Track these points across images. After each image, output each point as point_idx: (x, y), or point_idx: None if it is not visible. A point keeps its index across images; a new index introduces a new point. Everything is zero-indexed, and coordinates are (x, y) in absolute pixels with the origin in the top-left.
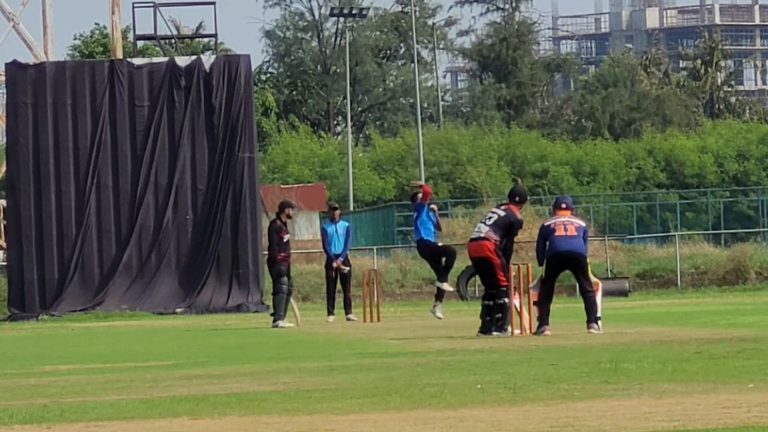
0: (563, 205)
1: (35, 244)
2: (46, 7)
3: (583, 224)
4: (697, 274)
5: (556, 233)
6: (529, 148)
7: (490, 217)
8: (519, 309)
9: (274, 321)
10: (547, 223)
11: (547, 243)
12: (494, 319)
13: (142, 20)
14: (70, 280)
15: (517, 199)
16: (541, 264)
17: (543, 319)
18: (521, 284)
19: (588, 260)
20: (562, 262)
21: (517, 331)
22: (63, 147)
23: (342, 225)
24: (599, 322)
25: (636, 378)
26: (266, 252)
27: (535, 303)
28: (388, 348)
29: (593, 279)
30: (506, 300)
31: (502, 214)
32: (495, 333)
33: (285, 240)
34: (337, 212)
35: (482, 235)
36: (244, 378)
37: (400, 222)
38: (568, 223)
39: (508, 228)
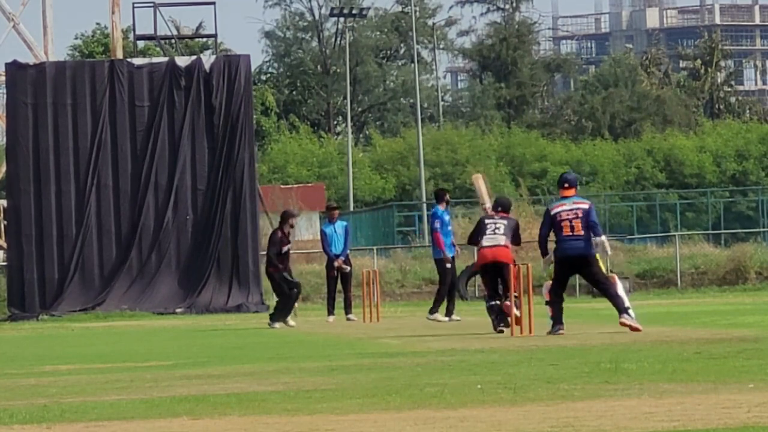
0: (566, 184)
1: (35, 244)
2: (46, 7)
3: (587, 206)
4: (697, 274)
5: (564, 233)
6: (529, 148)
7: (498, 227)
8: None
9: (271, 320)
10: (553, 212)
11: (555, 240)
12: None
13: (142, 20)
14: (70, 280)
15: (500, 209)
16: (544, 254)
17: (557, 319)
18: (521, 285)
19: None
20: (571, 267)
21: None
22: (63, 147)
23: (340, 225)
24: (630, 312)
25: (636, 378)
26: (263, 253)
27: (546, 303)
28: (388, 348)
29: (609, 274)
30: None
31: (506, 222)
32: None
33: (284, 251)
34: (336, 212)
35: (501, 243)
36: (244, 378)
37: (400, 222)
38: (574, 217)
39: (515, 231)
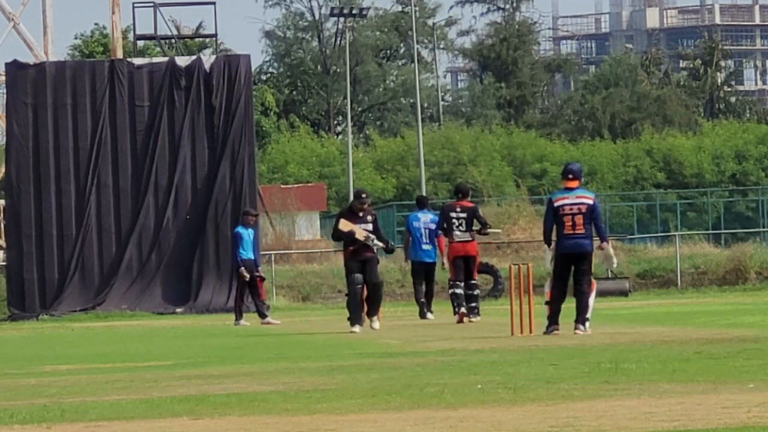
0: (570, 176)
1: (35, 244)
2: (46, 7)
3: (591, 201)
4: (697, 274)
5: (565, 229)
6: (529, 148)
7: (461, 223)
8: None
9: (351, 324)
10: (556, 204)
11: (555, 236)
12: (470, 306)
13: (142, 20)
14: (70, 280)
15: (460, 195)
16: (548, 242)
17: (553, 319)
18: (521, 284)
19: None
20: (571, 262)
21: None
22: (63, 147)
23: (253, 231)
24: (587, 324)
25: (636, 378)
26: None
27: (546, 302)
28: (388, 348)
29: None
30: (479, 291)
31: (465, 215)
32: (473, 318)
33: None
34: (252, 218)
35: (469, 239)
36: (244, 378)
37: (400, 222)
38: (576, 213)
39: (477, 218)
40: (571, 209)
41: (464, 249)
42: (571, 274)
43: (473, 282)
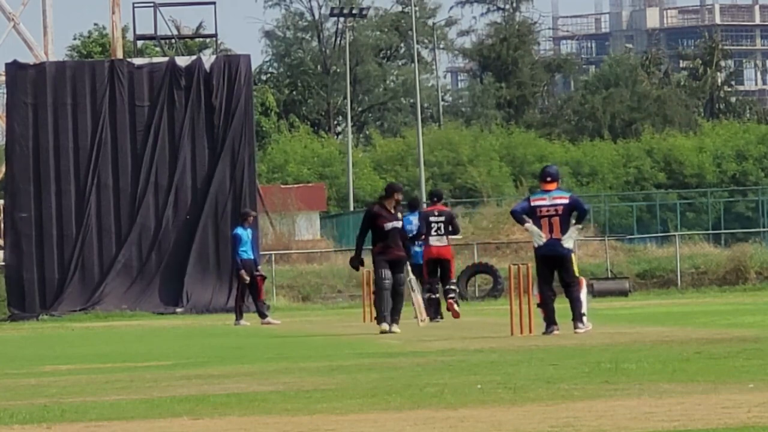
0: (548, 178)
1: (35, 244)
2: (46, 7)
3: (567, 200)
4: (697, 274)
5: (542, 233)
6: (529, 148)
7: (438, 228)
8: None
9: (378, 322)
10: (533, 203)
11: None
12: (450, 297)
13: (142, 20)
14: (70, 280)
15: (435, 199)
16: (523, 222)
17: (550, 319)
18: (521, 284)
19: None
20: (548, 264)
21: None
22: (63, 147)
23: (252, 231)
24: (584, 319)
25: (636, 378)
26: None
27: (538, 305)
28: (388, 348)
29: (578, 277)
30: (456, 287)
31: (442, 219)
32: (438, 319)
33: (387, 229)
34: (250, 218)
35: (444, 243)
36: (244, 378)
37: None
38: (553, 214)
39: (452, 223)
40: (548, 211)
41: (438, 252)
42: (553, 274)
43: (451, 283)
